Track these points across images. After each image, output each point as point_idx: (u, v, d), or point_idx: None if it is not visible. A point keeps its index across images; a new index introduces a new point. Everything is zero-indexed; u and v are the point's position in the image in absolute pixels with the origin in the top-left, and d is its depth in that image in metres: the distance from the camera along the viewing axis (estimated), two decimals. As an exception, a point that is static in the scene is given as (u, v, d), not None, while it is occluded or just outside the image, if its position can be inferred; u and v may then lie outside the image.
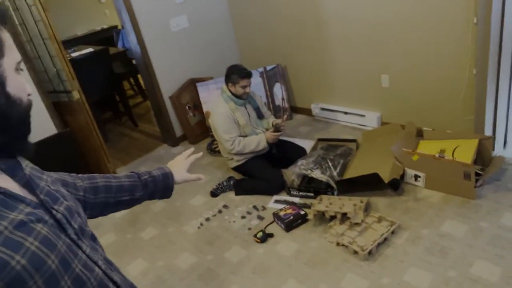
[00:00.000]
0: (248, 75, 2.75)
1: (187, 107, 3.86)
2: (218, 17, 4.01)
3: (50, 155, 2.95)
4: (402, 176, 2.56)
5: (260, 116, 3.00)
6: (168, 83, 3.73)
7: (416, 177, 2.52)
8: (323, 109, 3.72)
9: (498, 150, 2.67)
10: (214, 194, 2.94)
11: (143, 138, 4.33)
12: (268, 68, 3.84)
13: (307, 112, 3.93)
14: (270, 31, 3.80)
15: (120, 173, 3.48)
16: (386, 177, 2.45)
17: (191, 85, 3.86)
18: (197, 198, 2.96)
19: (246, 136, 2.84)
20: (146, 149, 4.04)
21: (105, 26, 6.64)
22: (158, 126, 4.02)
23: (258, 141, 2.79)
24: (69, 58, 4.09)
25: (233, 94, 2.81)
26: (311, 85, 3.77)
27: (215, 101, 2.94)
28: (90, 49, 4.63)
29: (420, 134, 2.84)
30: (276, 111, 3.92)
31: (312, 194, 2.66)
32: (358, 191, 2.59)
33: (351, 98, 3.50)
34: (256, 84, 3.84)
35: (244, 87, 2.75)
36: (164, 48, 3.64)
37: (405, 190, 2.54)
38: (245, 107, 2.89)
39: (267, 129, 2.96)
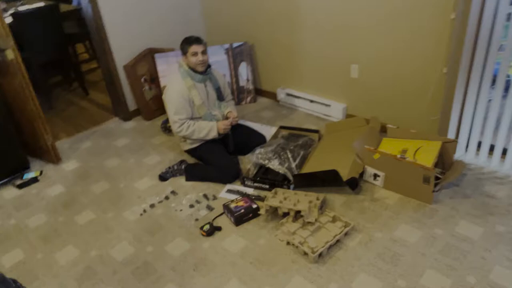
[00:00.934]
0: (196, 40, 2.52)
1: (142, 80, 3.54)
2: (184, -17, 3.66)
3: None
4: (362, 173, 2.44)
5: (221, 97, 2.76)
6: (123, 50, 3.38)
7: (376, 176, 2.41)
8: (288, 94, 3.53)
9: (459, 154, 2.61)
10: (162, 178, 2.70)
11: (93, 109, 3.97)
12: (235, 45, 3.58)
13: (272, 96, 3.73)
14: (240, 5, 3.52)
15: (60, 147, 3.16)
16: (345, 174, 2.33)
17: (149, 55, 3.53)
18: (143, 181, 2.71)
19: (199, 118, 2.61)
20: (94, 121, 3.70)
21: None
22: (109, 97, 3.68)
23: (209, 129, 2.58)
24: (12, 12, 3.64)
25: (190, 68, 2.55)
26: (278, 68, 3.56)
27: (172, 76, 2.67)
28: (41, 4, 4.13)
29: (383, 130, 2.73)
30: (240, 92, 3.69)
31: (267, 186, 2.49)
32: (315, 186, 2.45)
33: (318, 86, 3.33)
34: (221, 62, 3.58)
35: (194, 54, 2.50)
36: (121, 10, 3.27)
37: (363, 188, 2.43)
38: (205, 85, 2.64)
39: (224, 115, 2.74)
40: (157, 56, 3.47)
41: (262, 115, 3.49)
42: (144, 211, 2.42)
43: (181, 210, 2.40)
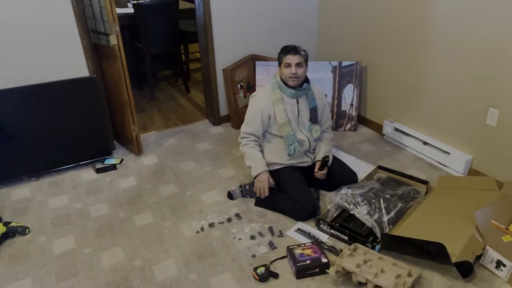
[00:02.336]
0: (293, 49, 2.16)
1: (239, 86, 3.35)
2: (303, -9, 3.38)
3: (72, 98, 2.67)
4: (480, 255, 1.80)
5: (315, 119, 2.35)
6: (225, 53, 3.24)
7: (500, 264, 1.75)
8: (397, 129, 2.97)
9: None
10: (231, 195, 2.42)
11: (189, 107, 3.94)
12: (344, 64, 3.16)
13: (377, 128, 3.20)
14: (359, 21, 3.09)
15: (145, 139, 3.13)
16: (455, 252, 1.73)
17: (251, 62, 3.33)
18: (211, 194, 2.47)
19: (280, 138, 2.26)
20: (186, 119, 3.64)
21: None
22: (204, 98, 3.58)
23: (255, 166, 2.25)
24: (134, 2, 3.81)
25: (282, 80, 2.24)
26: (390, 96, 3.02)
27: (263, 86, 2.38)
28: (164, -1, 4.31)
29: (522, 203, 2.03)
30: (340, 116, 3.25)
31: (346, 238, 2.02)
32: (409, 254, 1.89)
33: (437, 126, 2.70)
34: (325, 80, 3.19)
35: (287, 65, 2.16)
36: (231, 13, 3.13)
37: (478, 276, 1.79)
38: (297, 101, 2.28)
39: (314, 140, 2.34)
40: (258, 63, 3.24)
41: (360, 148, 2.99)
42: (202, 229, 2.16)
43: (240, 239, 2.07)
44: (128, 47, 4.35)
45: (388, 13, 2.82)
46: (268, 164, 2.30)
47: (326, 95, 3.18)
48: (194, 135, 3.30)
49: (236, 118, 3.37)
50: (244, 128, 2.30)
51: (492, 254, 1.77)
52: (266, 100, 2.22)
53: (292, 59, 2.15)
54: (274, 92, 2.23)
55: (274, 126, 2.25)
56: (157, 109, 3.91)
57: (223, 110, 3.45)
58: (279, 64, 2.22)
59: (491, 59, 2.23)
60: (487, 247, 1.78)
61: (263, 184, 2.22)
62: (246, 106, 3.37)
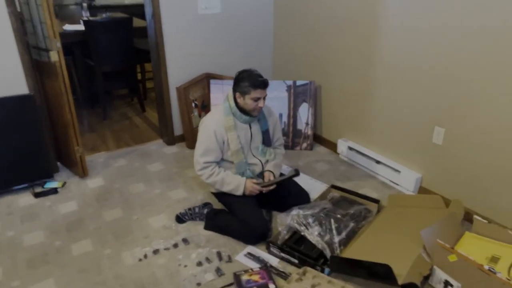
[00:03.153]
0: (263, 84, 2.07)
1: (193, 104, 3.27)
2: (258, 11, 3.40)
3: (8, 117, 2.49)
4: (428, 276, 1.78)
5: (267, 142, 2.29)
6: (179, 71, 3.17)
7: (447, 284, 1.73)
8: (351, 148, 2.98)
9: None
10: (180, 219, 2.31)
11: (144, 127, 3.80)
12: (299, 83, 3.17)
13: (332, 146, 3.21)
14: (313, 41, 3.13)
15: (94, 160, 2.96)
16: (402, 273, 1.70)
17: (206, 80, 3.27)
18: (159, 218, 2.34)
19: (231, 163, 2.19)
20: (139, 139, 3.50)
21: None
22: (158, 117, 3.47)
23: (235, 185, 2.15)
24: (84, 19, 3.69)
25: (238, 107, 2.15)
26: (343, 115, 3.05)
27: (214, 108, 2.28)
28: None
29: (467, 219, 2.05)
30: (296, 135, 3.23)
31: (296, 261, 1.95)
32: (358, 276, 1.85)
33: (389, 146, 2.73)
34: (280, 99, 3.18)
35: (256, 99, 2.07)
36: (184, 30, 3.08)
37: (426, 296, 1.77)
38: (250, 126, 2.23)
39: (267, 161, 2.29)
40: (212, 82, 3.19)
41: (315, 167, 2.97)
42: (145, 256, 2.02)
43: (185, 266, 1.95)
44: (81, 64, 4.20)
45: (340, 34, 2.87)
46: (217, 188, 2.22)
47: (281, 115, 3.17)
48: (146, 156, 3.16)
49: (190, 137, 3.27)
50: (202, 158, 2.14)
51: (440, 274, 1.76)
52: (219, 127, 2.12)
53: (261, 93, 2.06)
54: (227, 118, 2.13)
55: (226, 152, 2.17)
56: (110, 128, 3.74)
57: (178, 129, 3.35)
58: (241, 93, 2.08)
59: (436, 80, 2.29)
60: (435, 267, 1.77)
61: (253, 188, 2.14)
62: (200, 126, 3.30)
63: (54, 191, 2.62)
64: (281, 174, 2.33)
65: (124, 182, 2.75)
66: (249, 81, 2.05)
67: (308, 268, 1.84)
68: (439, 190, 2.43)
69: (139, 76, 4.35)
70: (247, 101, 2.08)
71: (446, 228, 1.89)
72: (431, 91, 2.34)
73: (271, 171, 2.28)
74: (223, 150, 2.16)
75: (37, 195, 2.57)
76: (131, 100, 4.51)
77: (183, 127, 3.31)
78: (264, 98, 2.11)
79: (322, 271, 1.85)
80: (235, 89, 2.12)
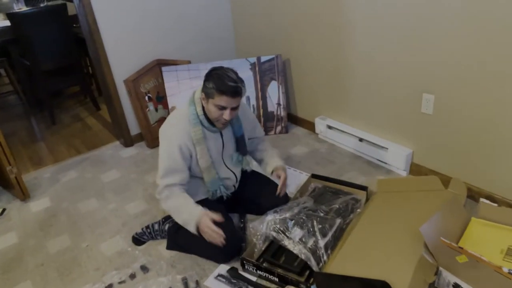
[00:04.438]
0: (231, 91, 1.56)
1: (147, 98, 2.85)
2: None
3: None
4: (434, 282, 1.48)
5: (242, 150, 1.88)
6: (123, 60, 2.72)
7: (457, 287, 1.44)
8: (330, 127, 2.63)
9: None
10: (137, 240, 1.95)
11: (98, 128, 3.37)
12: (263, 59, 2.76)
13: (310, 126, 2.85)
14: (275, 10, 2.70)
15: (39, 176, 2.54)
16: (405, 284, 1.39)
17: (157, 68, 2.84)
18: (112, 242, 1.98)
19: (201, 179, 1.80)
20: (92, 143, 3.08)
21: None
22: (110, 117, 3.04)
23: (186, 219, 1.67)
24: (8, 12, 3.17)
25: (206, 116, 1.69)
26: (318, 90, 2.68)
27: (176, 113, 1.78)
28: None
29: (470, 196, 1.74)
30: (268, 119, 2.86)
31: (275, 279, 1.62)
32: (352, 289, 1.54)
33: (371, 120, 2.39)
34: (245, 80, 2.76)
35: (221, 108, 1.60)
36: (122, 11, 2.62)
37: (434, 304, 1.47)
38: (221, 134, 1.80)
39: (244, 172, 1.95)
40: (165, 70, 2.76)
41: (292, 153, 2.62)
42: (96, 296, 1.67)
43: (144, 302, 1.61)
44: (20, 65, 3.69)
45: (302, -4, 2.45)
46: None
47: (248, 98, 2.78)
48: (100, 163, 2.76)
49: (149, 136, 2.87)
50: (164, 181, 1.69)
51: (448, 277, 1.45)
52: (183, 138, 1.68)
53: (228, 102, 1.59)
54: (195, 129, 1.68)
55: (194, 167, 1.77)
56: (58, 135, 3.30)
57: (134, 128, 2.93)
58: (206, 95, 1.62)
59: (420, 37, 1.93)
60: (441, 268, 1.46)
61: (210, 229, 1.61)
62: (160, 121, 2.90)
63: (-9, 221, 2.22)
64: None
65: (73, 200, 2.36)
66: (215, 83, 1.57)
67: (291, 288, 1.52)
68: (433, 165, 2.12)
69: (90, 70, 3.88)
70: (210, 107, 1.63)
71: (449, 217, 1.58)
72: (415, 51, 1.97)
73: (282, 166, 1.92)
74: (190, 166, 1.76)
75: (-31, 230, 2.17)
76: (84, 98, 4.04)
77: (139, 125, 2.90)
78: (233, 110, 1.64)
79: (307, 289, 1.53)
80: (203, 89, 1.66)
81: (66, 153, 2.97)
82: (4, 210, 2.32)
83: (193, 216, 1.65)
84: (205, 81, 1.63)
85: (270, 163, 1.95)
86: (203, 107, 1.69)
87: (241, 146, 1.87)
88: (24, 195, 2.37)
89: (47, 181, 2.60)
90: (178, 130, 1.70)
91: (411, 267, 1.44)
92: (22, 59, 3.40)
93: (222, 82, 1.56)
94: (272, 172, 1.94)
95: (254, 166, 2.06)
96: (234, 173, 1.88)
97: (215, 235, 1.62)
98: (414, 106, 2.09)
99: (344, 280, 1.45)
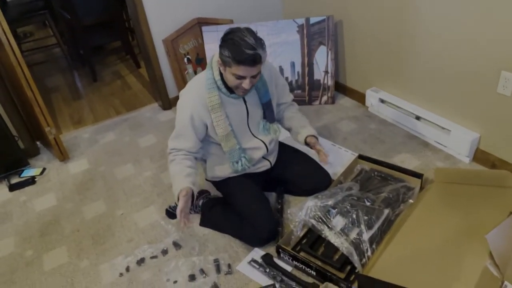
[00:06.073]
0: (251, 60, 1.38)
1: (186, 59, 2.69)
2: None
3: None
4: (496, 295, 1.29)
5: (270, 117, 1.71)
6: (163, 18, 2.55)
7: (525, 306, 1.25)
8: (383, 101, 2.37)
9: None
10: (170, 214, 1.89)
11: (138, 88, 3.30)
12: (313, 20, 2.48)
13: (359, 98, 2.59)
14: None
15: (78, 136, 2.52)
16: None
17: (197, 28, 2.65)
18: (146, 212, 1.93)
19: (223, 149, 1.65)
20: (131, 104, 3.03)
21: None
22: (148, 78, 2.94)
23: (173, 189, 1.55)
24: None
25: (223, 82, 1.54)
26: (373, 58, 2.39)
27: (195, 79, 1.63)
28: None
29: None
30: (313, 87, 2.62)
31: (313, 273, 1.50)
32: (398, 293, 1.39)
33: (434, 97, 2.10)
34: (291, 43, 2.54)
35: (239, 78, 1.44)
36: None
37: (493, 320, 1.29)
38: (244, 100, 1.64)
39: (282, 145, 1.82)
40: (205, 29, 2.57)
41: (338, 128, 2.40)
42: (127, 269, 1.64)
43: (175, 282, 1.56)
44: (61, 19, 3.64)
45: None
46: (215, 170, 1.74)
47: (293, 63, 2.55)
48: (138, 126, 2.70)
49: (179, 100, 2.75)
50: (171, 142, 1.62)
51: (514, 293, 1.26)
52: (196, 104, 1.54)
53: (248, 71, 1.41)
54: (211, 95, 1.53)
55: (213, 136, 1.64)
56: (99, 93, 3.28)
57: (172, 91, 2.82)
58: (223, 63, 1.44)
59: (504, 6, 1.58)
60: (506, 282, 1.27)
61: (179, 210, 1.46)
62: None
63: (32, 180, 2.26)
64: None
65: (110, 164, 2.33)
66: (231, 51, 1.39)
67: (330, 285, 1.40)
68: (504, 154, 1.84)
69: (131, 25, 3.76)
70: (228, 76, 1.47)
71: (523, 224, 1.35)
72: (495, 22, 1.63)
73: (314, 136, 1.76)
74: (207, 134, 1.63)
75: (12, 187, 2.22)
76: (125, 54, 3.96)
77: (178, 88, 2.78)
78: (253, 77, 1.46)
79: (348, 289, 1.40)
80: (220, 53, 1.47)
81: (106, 113, 2.94)
82: (44, 169, 2.35)
83: (177, 187, 1.52)
84: (220, 46, 1.44)
85: (302, 132, 1.77)
86: (221, 72, 1.52)
87: (269, 114, 1.69)
88: (63, 156, 2.38)
89: (86, 142, 2.59)
90: (192, 96, 1.56)
91: (472, 280, 1.26)
92: (64, 12, 3.32)
93: (239, 50, 1.37)
94: (305, 142, 1.76)
95: (283, 135, 1.88)
96: (264, 142, 1.72)
97: (179, 217, 1.46)
98: (488, 85, 1.78)
99: (389, 286, 1.30)
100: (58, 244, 1.82)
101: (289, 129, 1.86)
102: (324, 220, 1.60)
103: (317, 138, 1.77)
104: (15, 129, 2.37)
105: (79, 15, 3.13)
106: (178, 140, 1.60)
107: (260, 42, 1.41)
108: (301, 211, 1.65)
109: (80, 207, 2.03)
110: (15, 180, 2.28)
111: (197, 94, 1.55)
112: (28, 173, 2.32)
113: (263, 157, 1.75)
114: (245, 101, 1.62)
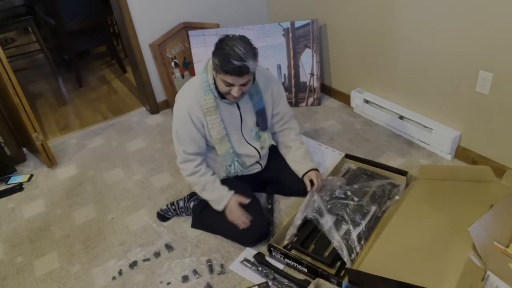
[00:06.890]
0: (238, 71, 1.40)
1: (173, 63, 2.71)
2: None
3: None
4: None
5: (263, 125, 1.73)
6: (149, 23, 2.57)
7: (507, 294, 1.31)
8: (367, 101, 2.43)
9: None
10: (162, 217, 1.90)
11: (124, 92, 3.30)
12: (298, 24, 2.53)
13: (345, 99, 2.65)
14: (312, -35, 2.44)
15: (65, 142, 2.50)
16: (450, 284, 1.27)
17: (184, 32, 2.67)
18: (138, 215, 1.94)
19: (215, 155, 1.70)
20: (118, 109, 3.02)
21: None
22: (135, 83, 2.94)
23: (218, 197, 1.65)
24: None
25: (216, 87, 1.56)
26: (356, 60, 2.45)
27: (190, 82, 1.67)
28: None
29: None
30: (299, 90, 2.67)
31: (304, 270, 1.54)
32: None
33: (416, 97, 2.17)
34: (277, 47, 2.58)
35: (228, 85, 1.47)
36: (147, -31, 2.43)
37: (478, 309, 1.35)
38: (238, 106, 1.66)
39: (272, 148, 1.85)
40: (191, 34, 2.59)
41: (325, 128, 2.46)
42: (120, 273, 1.64)
43: (168, 283, 1.57)
44: (45, 25, 3.61)
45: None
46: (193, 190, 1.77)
47: (279, 66, 2.59)
48: (126, 131, 2.70)
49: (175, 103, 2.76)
50: (181, 148, 1.63)
51: (496, 282, 1.32)
52: (193, 105, 1.56)
53: (235, 80, 1.43)
54: (206, 97, 1.55)
55: (208, 139, 1.66)
56: (85, 98, 3.26)
57: (160, 95, 2.83)
58: (214, 67, 1.47)
59: (483, 6, 1.66)
60: (488, 272, 1.33)
61: (237, 214, 1.61)
62: (185, 88, 2.77)
63: (19, 187, 2.23)
64: None
65: (99, 169, 2.33)
66: (219, 60, 1.41)
67: (322, 281, 1.43)
68: (484, 150, 1.91)
69: (116, 30, 3.75)
70: (219, 82, 1.50)
71: (504, 216, 1.42)
72: (474, 23, 1.71)
73: (316, 170, 1.77)
74: (205, 135, 1.66)
75: (0, 194, 2.19)
76: (110, 59, 3.95)
77: (165, 92, 2.79)
78: (242, 86, 1.47)
79: (339, 285, 1.43)
80: (213, 57, 1.48)
81: (92, 118, 2.93)
82: (31, 176, 2.32)
83: (223, 196, 1.63)
84: (212, 52, 1.46)
85: (303, 164, 1.79)
86: (213, 79, 1.55)
87: (261, 121, 1.72)
88: (51, 162, 2.36)
89: (74, 147, 2.57)
90: (189, 97, 1.58)
91: (457, 271, 1.31)
92: (48, 18, 3.30)
93: (226, 60, 1.39)
94: (303, 176, 1.78)
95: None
96: (256, 149, 1.75)
97: (244, 219, 1.60)
98: (467, 84, 1.86)
99: (381, 282, 1.34)
100: (48, 250, 1.81)
101: (284, 154, 1.87)
102: (319, 212, 1.65)
103: (317, 174, 1.76)
104: (1, 136, 2.35)
105: (64, 20, 3.12)
106: (187, 144, 1.62)
107: (251, 52, 1.42)
108: (303, 206, 1.69)
109: (70, 212, 2.02)
110: (2, 187, 2.26)
111: (194, 96, 1.57)
112: (15, 179, 2.30)
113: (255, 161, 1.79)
114: (238, 107, 1.65)
